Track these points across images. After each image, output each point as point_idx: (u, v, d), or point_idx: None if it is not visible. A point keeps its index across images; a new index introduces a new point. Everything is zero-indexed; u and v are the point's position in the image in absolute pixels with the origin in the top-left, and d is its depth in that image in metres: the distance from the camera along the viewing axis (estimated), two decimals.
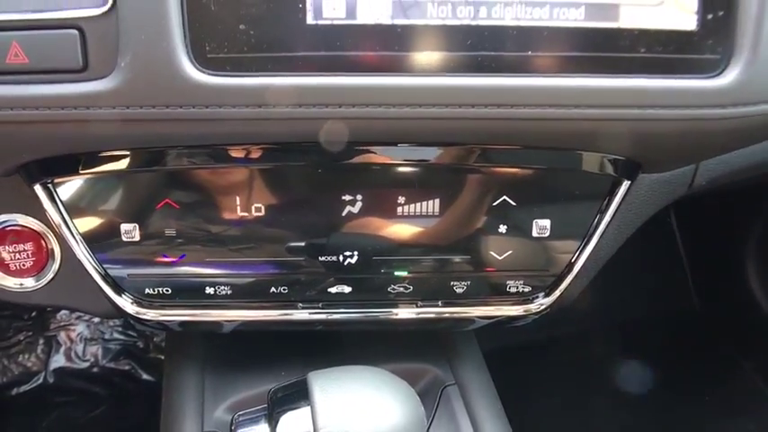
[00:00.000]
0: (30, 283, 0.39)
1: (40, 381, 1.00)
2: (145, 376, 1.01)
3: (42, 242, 0.39)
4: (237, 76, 0.29)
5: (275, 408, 0.29)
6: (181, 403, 0.42)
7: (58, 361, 1.01)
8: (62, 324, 1.02)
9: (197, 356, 0.45)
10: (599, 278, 1.16)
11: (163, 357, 1.04)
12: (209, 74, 0.29)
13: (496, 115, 0.31)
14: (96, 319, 1.04)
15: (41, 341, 1.02)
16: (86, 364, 1.01)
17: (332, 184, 0.37)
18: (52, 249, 0.39)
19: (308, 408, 0.27)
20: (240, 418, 0.30)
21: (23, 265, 0.39)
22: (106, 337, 1.02)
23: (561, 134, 0.33)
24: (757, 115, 0.32)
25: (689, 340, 1.14)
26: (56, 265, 0.39)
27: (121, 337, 1.02)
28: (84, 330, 1.02)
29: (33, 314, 1.04)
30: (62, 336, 1.02)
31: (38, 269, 0.39)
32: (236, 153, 0.35)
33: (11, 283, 0.39)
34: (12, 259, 0.39)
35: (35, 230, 0.38)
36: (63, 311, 1.03)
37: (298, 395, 0.28)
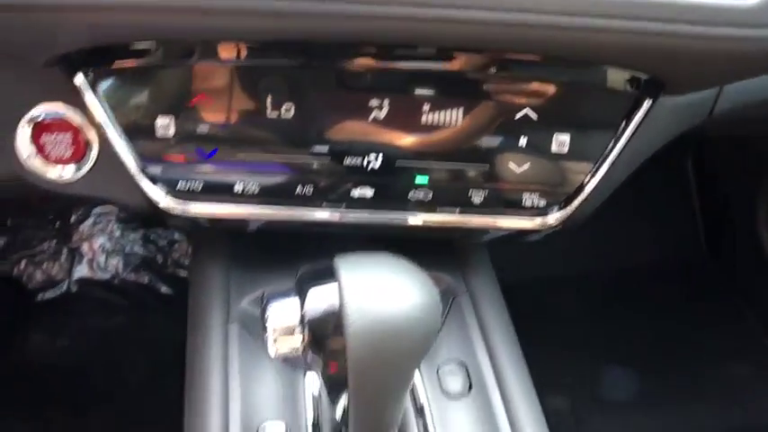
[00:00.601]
0: (69, 173, 0.41)
1: (64, 289, 1.05)
2: (163, 289, 1.05)
3: (80, 134, 0.40)
4: None
5: (304, 284, 0.31)
6: (208, 294, 0.45)
7: (81, 271, 1.06)
8: (85, 236, 1.06)
9: (222, 254, 0.47)
10: (613, 223, 1.18)
11: (181, 273, 1.08)
12: None
13: (521, 21, 0.31)
14: (117, 233, 1.08)
15: (65, 251, 1.06)
16: (107, 276, 1.06)
17: (360, 88, 0.38)
18: (90, 141, 0.41)
19: (336, 284, 0.29)
20: (271, 294, 0.32)
21: (63, 155, 0.41)
22: (127, 250, 1.06)
23: (588, 46, 0.33)
24: None
25: (697, 288, 1.17)
26: (93, 157, 0.41)
27: (141, 250, 1.06)
28: (106, 243, 1.06)
29: (57, 225, 1.08)
30: (85, 247, 1.06)
31: (76, 159, 0.41)
32: (271, 52, 0.36)
33: (52, 173, 0.41)
34: (52, 149, 0.41)
35: (73, 122, 0.40)
36: (85, 224, 1.07)
37: (325, 274, 0.31)
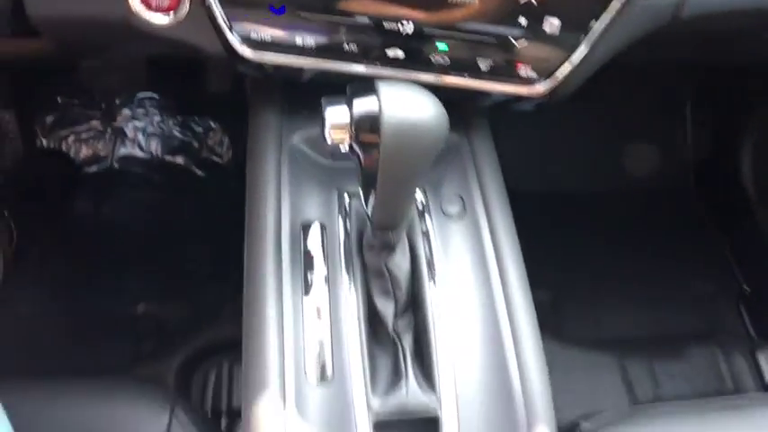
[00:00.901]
0: (166, 20, 0.52)
1: (108, 165, 1.18)
2: (198, 172, 1.18)
3: None
4: None
5: (352, 95, 0.43)
6: (266, 130, 0.58)
7: (123, 149, 1.18)
8: (128, 118, 1.18)
9: (277, 100, 0.59)
10: (612, 147, 1.29)
11: (214, 158, 1.20)
12: None
13: None
14: (158, 118, 1.20)
15: (109, 131, 1.18)
16: (148, 155, 1.18)
17: None
18: None
19: (375, 96, 0.41)
20: (327, 100, 0.44)
21: (162, 4, 0.52)
22: (166, 134, 1.18)
23: None
24: None
25: (682, 213, 1.28)
26: (186, 8, 0.52)
27: (179, 135, 1.18)
28: (147, 125, 1.18)
29: (103, 106, 1.19)
30: (128, 128, 1.18)
31: (173, 9, 0.52)
32: None
33: (154, 18, 0.52)
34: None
35: None
36: (129, 107, 1.19)
37: (368, 89, 0.43)
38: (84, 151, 1.17)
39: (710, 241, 1.24)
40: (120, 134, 1.17)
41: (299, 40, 0.52)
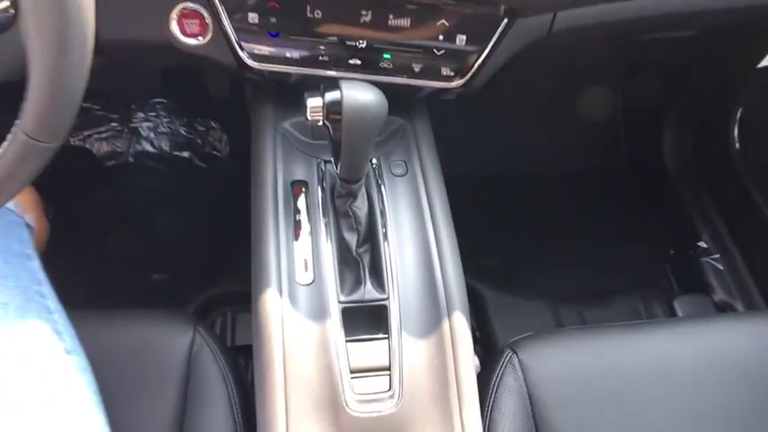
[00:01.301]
0: (196, 42, 0.73)
1: (125, 159, 1.38)
2: (200, 164, 1.39)
3: (204, 19, 0.73)
4: None
5: (324, 89, 0.64)
6: (264, 118, 0.79)
7: (138, 146, 1.39)
8: (143, 120, 1.39)
9: (272, 95, 0.81)
10: (556, 133, 1.51)
11: (214, 152, 1.42)
12: None
13: None
14: (167, 119, 1.41)
15: (126, 130, 1.39)
16: (158, 151, 1.39)
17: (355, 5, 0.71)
18: (209, 24, 0.73)
19: (339, 90, 0.63)
20: (308, 93, 0.66)
21: (193, 31, 0.74)
22: (174, 132, 1.39)
23: None
24: None
25: (616, 191, 1.46)
26: (210, 33, 0.72)
27: (185, 133, 1.39)
28: (159, 126, 1.39)
29: (121, 110, 1.40)
30: (143, 128, 1.39)
31: (201, 34, 0.73)
32: None
33: (188, 41, 0.72)
34: (187, 27, 0.73)
35: (200, 11, 0.72)
36: (143, 110, 1.39)
37: (334, 85, 0.64)
38: (105, 148, 1.37)
39: (641, 212, 1.42)
40: (135, 133, 1.38)
41: (288, 54, 0.73)
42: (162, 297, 1.17)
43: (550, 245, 1.34)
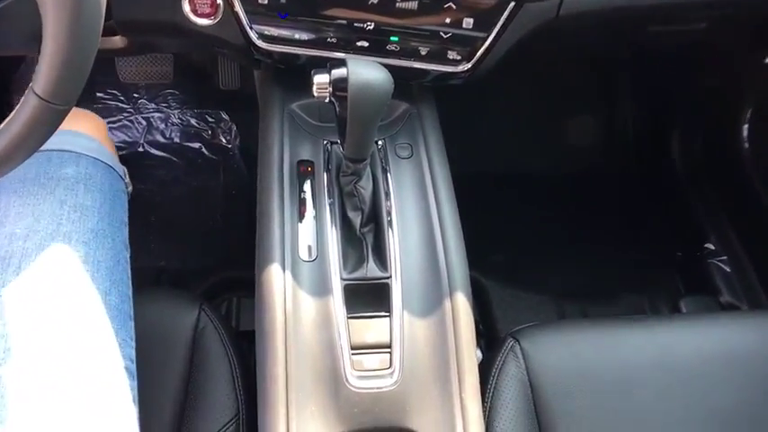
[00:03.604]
0: (207, 22, 0.74)
1: (138, 149, 1.41)
2: (209, 154, 1.41)
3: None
4: None
5: (330, 67, 0.65)
6: (272, 98, 0.79)
7: (150, 137, 1.41)
8: (155, 111, 1.41)
9: (280, 78, 0.82)
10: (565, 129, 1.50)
11: (222, 142, 1.43)
12: None
13: None
14: (178, 111, 1.43)
15: (139, 121, 1.41)
16: (170, 141, 1.41)
17: None
18: (220, 3, 0.74)
19: (345, 67, 0.63)
20: (315, 70, 0.67)
21: (204, 11, 0.75)
22: (185, 123, 1.41)
23: None
24: None
25: (624, 192, 1.45)
26: (221, 13, 0.74)
27: (196, 125, 1.41)
28: (171, 116, 1.41)
29: (135, 100, 1.42)
30: (155, 119, 1.41)
31: (212, 14, 0.75)
32: None
33: (199, 21, 0.74)
34: (199, 7, 0.75)
35: None
36: (155, 101, 1.41)
37: (342, 64, 0.65)
38: (119, 137, 1.39)
39: (649, 213, 1.41)
40: (148, 124, 1.40)
41: (296, 36, 0.74)
42: (168, 282, 1.18)
43: (557, 243, 1.33)
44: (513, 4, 0.73)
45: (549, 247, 1.33)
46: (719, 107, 1.31)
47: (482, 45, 0.75)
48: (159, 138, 1.39)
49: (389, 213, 0.71)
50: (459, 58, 0.76)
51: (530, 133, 1.51)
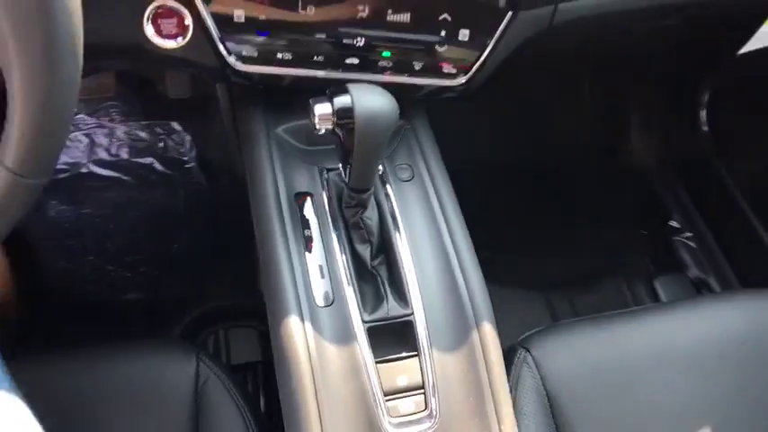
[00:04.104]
0: (174, 44, 0.67)
1: (82, 170, 1.28)
2: (163, 169, 1.30)
3: (183, 18, 0.66)
4: None
5: (331, 95, 0.60)
6: (255, 124, 0.73)
7: (97, 154, 1.28)
8: (95, 125, 1.29)
9: (260, 102, 0.75)
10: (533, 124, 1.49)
11: (176, 155, 1.33)
12: None
13: None
14: (120, 124, 1.30)
15: (81, 139, 1.28)
16: (117, 158, 1.29)
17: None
18: (188, 24, 0.66)
19: (350, 95, 0.58)
20: (314, 100, 0.61)
21: (170, 31, 0.67)
22: (132, 137, 1.30)
23: None
24: None
25: (594, 182, 1.49)
26: (190, 33, 0.66)
27: (145, 138, 1.30)
28: (118, 131, 1.29)
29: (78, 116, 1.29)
30: (97, 133, 1.28)
31: (179, 35, 0.67)
32: None
33: (165, 43, 0.66)
34: (164, 28, 0.67)
35: (177, 9, 0.65)
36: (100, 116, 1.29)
37: (342, 90, 0.59)
38: (63, 158, 1.26)
39: (616, 198, 1.46)
40: (90, 141, 1.28)
41: (279, 55, 0.68)
42: (140, 320, 1.09)
43: (533, 237, 1.37)
44: (510, 13, 0.69)
45: (527, 242, 1.35)
46: (678, 92, 1.34)
47: (479, 57, 0.71)
48: (105, 155, 1.28)
49: (400, 243, 0.67)
50: (454, 71, 0.72)
51: (498, 130, 1.50)
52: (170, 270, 1.16)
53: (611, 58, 1.41)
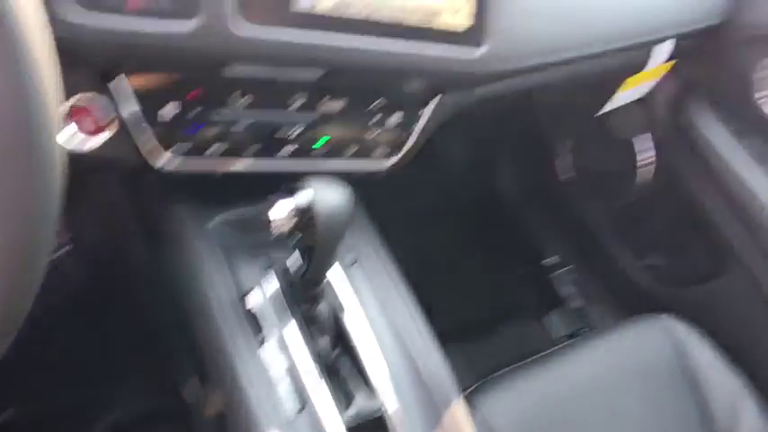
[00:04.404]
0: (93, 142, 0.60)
1: None
2: None
3: (93, 116, 0.60)
4: None
5: (287, 193, 0.57)
6: (182, 220, 0.67)
7: None
8: None
9: (185, 195, 0.69)
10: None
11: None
12: None
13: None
14: None
15: None
16: None
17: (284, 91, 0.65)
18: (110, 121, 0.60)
19: (310, 191, 0.56)
20: (274, 196, 0.58)
21: (88, 129, 0.60)
22: None
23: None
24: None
25: (472, 226, 1.59)
26: (112, 131, 0.60)
27: None
28: None
29: None
30: None
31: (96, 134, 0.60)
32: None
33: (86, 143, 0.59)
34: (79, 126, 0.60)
35: (91, 107, 0.59)
36: None
37: (297, 188, 0.57)
38: None
39: (497, 240, 1.54)
40: None
41: (212, 149, 0.65)
42: None
43: (431, 279, 1.40)
44: (440, 95, 0.72)
45: (423, 286, 1.37)
46: (542, 140, 1.48)
47: (409, 137, 0.73)
48: None
49: (358, 332, 0.66)
50: (387, 152, 0.73)
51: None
52: (60, 380, 1.00)
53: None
